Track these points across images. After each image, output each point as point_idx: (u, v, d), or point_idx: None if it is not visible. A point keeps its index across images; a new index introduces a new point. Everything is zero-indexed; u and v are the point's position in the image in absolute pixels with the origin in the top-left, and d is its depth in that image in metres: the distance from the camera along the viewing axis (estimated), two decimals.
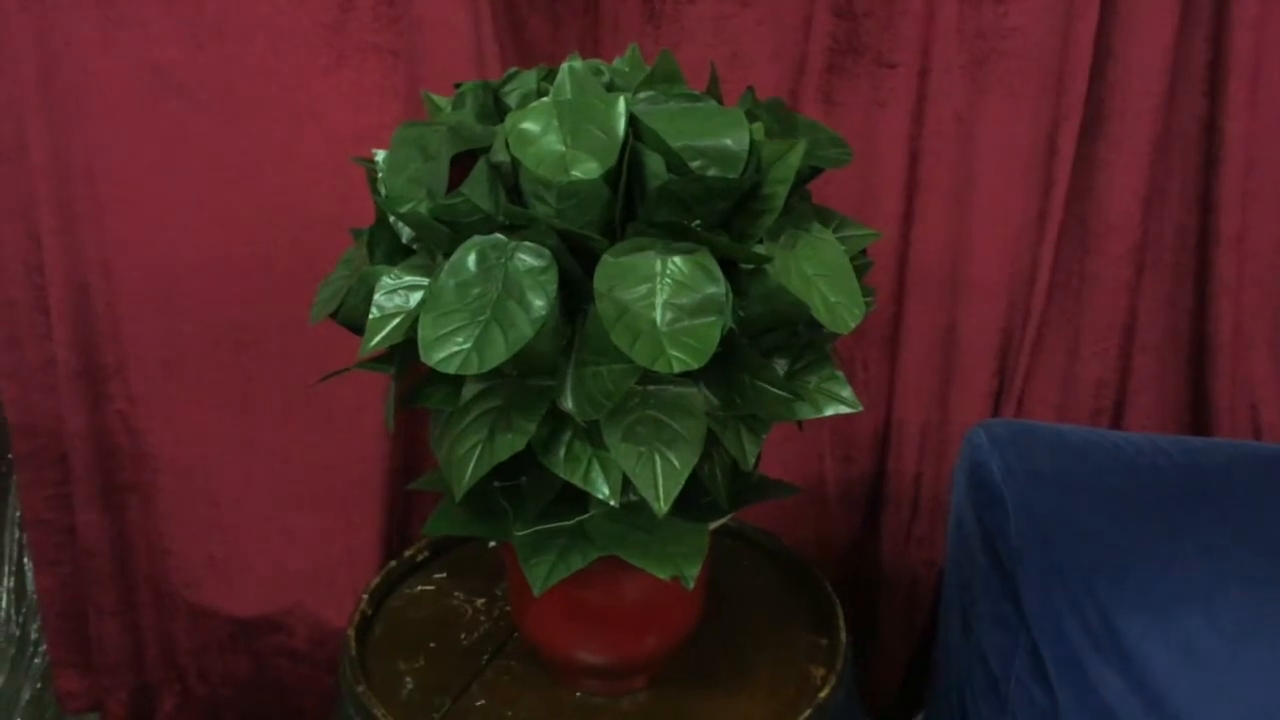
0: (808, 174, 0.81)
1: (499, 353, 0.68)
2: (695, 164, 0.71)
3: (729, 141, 0.72)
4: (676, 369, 0.66)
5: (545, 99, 0.74)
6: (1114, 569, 0.99)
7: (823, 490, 1.35)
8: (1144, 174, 1.21)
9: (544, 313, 0.69)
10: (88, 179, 1.19)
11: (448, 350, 0.69)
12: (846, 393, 0.78)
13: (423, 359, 0.69)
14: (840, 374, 0.78)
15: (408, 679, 0.98)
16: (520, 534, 0.81)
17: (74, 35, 1.14)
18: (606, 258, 0.70)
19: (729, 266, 0.72)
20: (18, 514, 1.37)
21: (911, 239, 1.25)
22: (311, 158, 1.17)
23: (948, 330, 1.29)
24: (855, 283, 0.75)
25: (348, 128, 1.16)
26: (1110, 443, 1.12)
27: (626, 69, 0.83)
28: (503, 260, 0.71)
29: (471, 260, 0.71)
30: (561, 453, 0.77)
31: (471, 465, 0.75)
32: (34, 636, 1.42)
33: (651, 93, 0.75)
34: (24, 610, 1.41)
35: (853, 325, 0.74)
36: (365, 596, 1.05)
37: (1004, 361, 1.29)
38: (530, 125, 0.72)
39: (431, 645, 1.02)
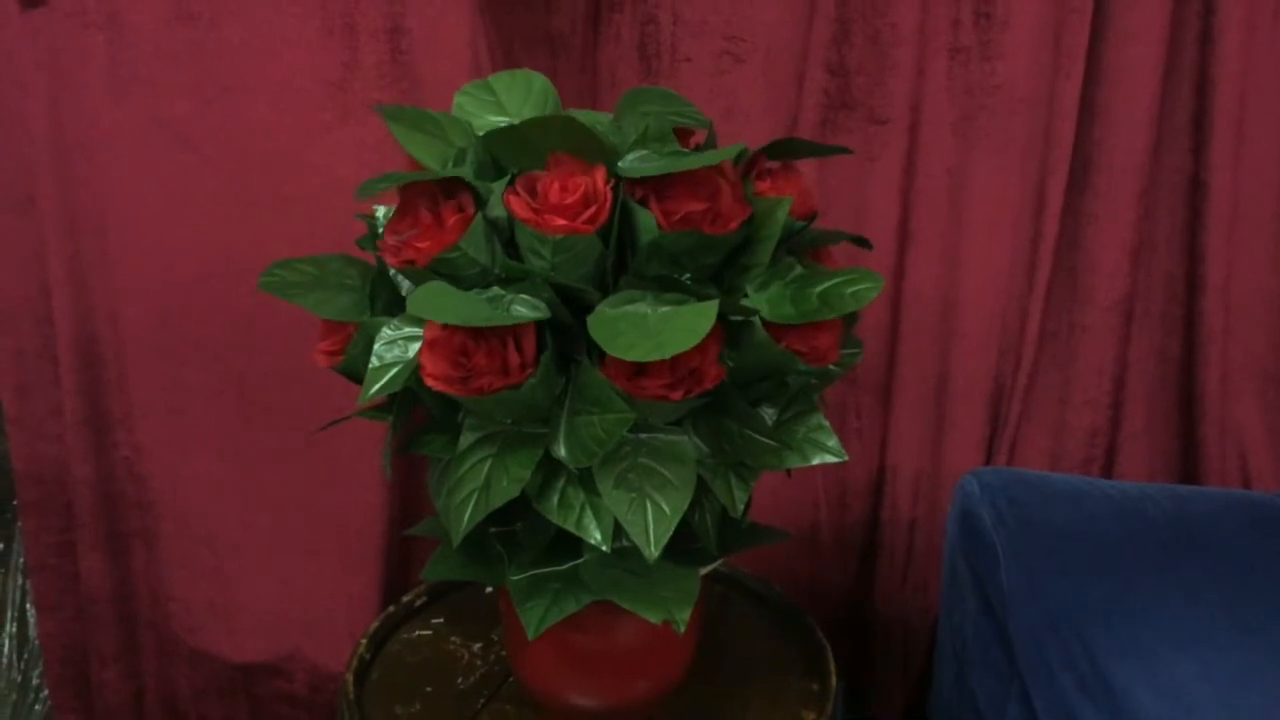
0: (799, 229, 0.83)
1: (483, 317, 0.70)
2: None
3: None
4: (669, 353, 0.67)
5: None
6: (1104, 616, 0.99)
7: (818, 537, 1.36)
8: (1131, 226, 1.23)
9: (532, 317, 0.71)
10: (97, 230, 1.22)
11: (437, 311, 0.71)
12: (833, 442, 0.80)
13: (409, 310, 0.71)
14: (827, 424, 0.80)
15: None
16: (515, 578, 0.82)
17: (85, 91, 1.17)
18: (600, 309, 0.72)
19: (719, 318, 0.74)
20: (21, 560, 1.38)
21: (903, 289, 1.28)
22: (316, 211, 1.19)
23: (940, 378, 1.30)
24: (864, 270, 0.77)
25: (351, 182, 1.19)
26: (1100, 491, 1.13)
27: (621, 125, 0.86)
28: (499, 311, 0.73)
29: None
30: (555, 499, 0.78)
31: (469, 511, 0.76)
32: (35, 682, 1.43)
33: (644, 151, 0.78)
34: (26, 656, 1.42)
35: (875, 294, 0.76)
36: (363, 641, 1.06)
37: (996, 409, 1.31)
38: None
39: (428, 689, 1.03)
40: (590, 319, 0.71)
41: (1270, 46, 1.19)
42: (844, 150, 0.87)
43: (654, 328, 0.69)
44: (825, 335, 0.77)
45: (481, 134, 0.76)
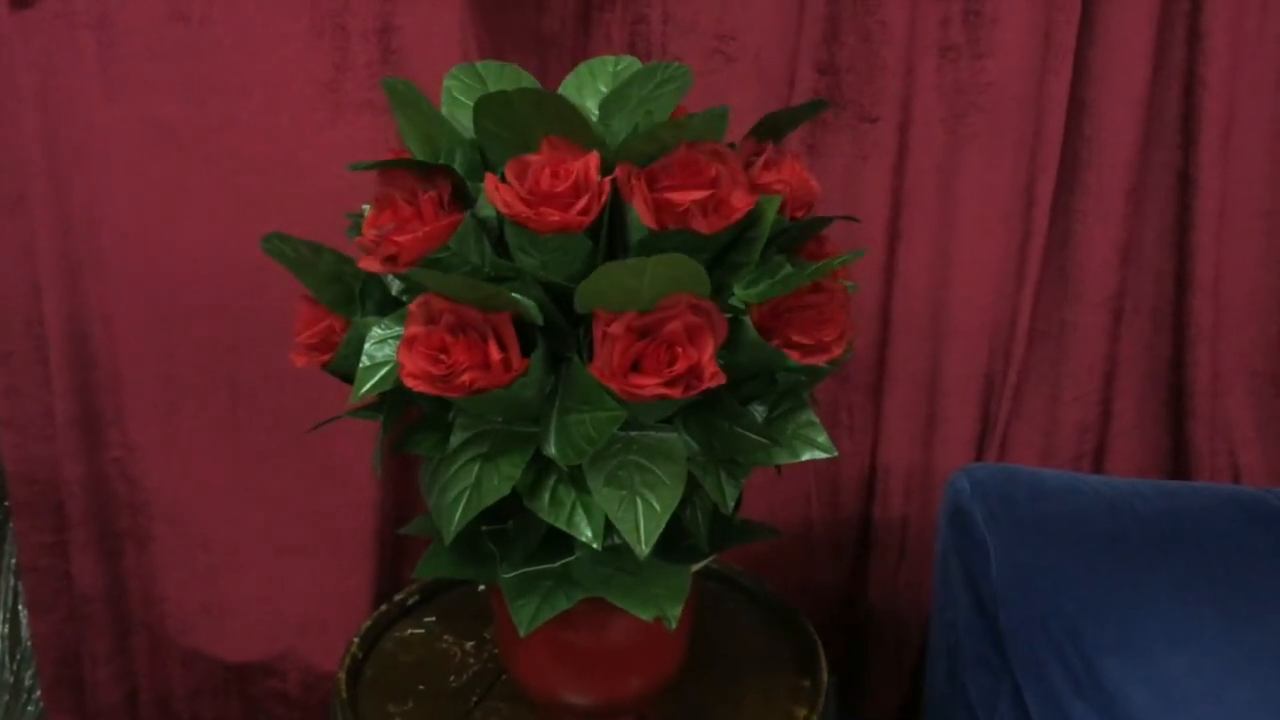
0: (789, 227, 0.83)
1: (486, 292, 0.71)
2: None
3: None
4: (649, 304, 0.68)
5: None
6: (1095, 612, 1.00)
7: (810, 534, 1.36)
8: (1120, 224, 1.23)
9: (527, 304, 0.72)
10: (88, 230, 1.22)
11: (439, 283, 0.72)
12: (822, 438, 0.80)
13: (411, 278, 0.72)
14: (817, 420, 0.80)
15: None
16: (507, 576, 0.82)
17: (77, 91, 1.17)
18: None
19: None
20: (13, 561, 1.38)
21: (894, 287, 1.28)
22: (308, 211, 1.19)
23: (931, 376, 1.31)
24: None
25: (342, 181, 1.19)
26: (1090, 487, 1.13)
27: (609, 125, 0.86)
28: (501, 290, 0.73)
29: None
30: (546, 497, 0.78)
31: (460, 510, 0.77)
32: (28, 684, 1.43)
33: None
34: (18, 657, 1.42)
35: (860, 256, 0.78)
36: (356, 640, 1.06)
37: (987, 406, 1.31)
38: None
39: (421, 688, 1.03)
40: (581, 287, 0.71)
41: (1258, 43, 1.20)
42: (824, 104, 0.88)
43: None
44: (829, 329, 0.77)
45: (473, 101, 0.75)
